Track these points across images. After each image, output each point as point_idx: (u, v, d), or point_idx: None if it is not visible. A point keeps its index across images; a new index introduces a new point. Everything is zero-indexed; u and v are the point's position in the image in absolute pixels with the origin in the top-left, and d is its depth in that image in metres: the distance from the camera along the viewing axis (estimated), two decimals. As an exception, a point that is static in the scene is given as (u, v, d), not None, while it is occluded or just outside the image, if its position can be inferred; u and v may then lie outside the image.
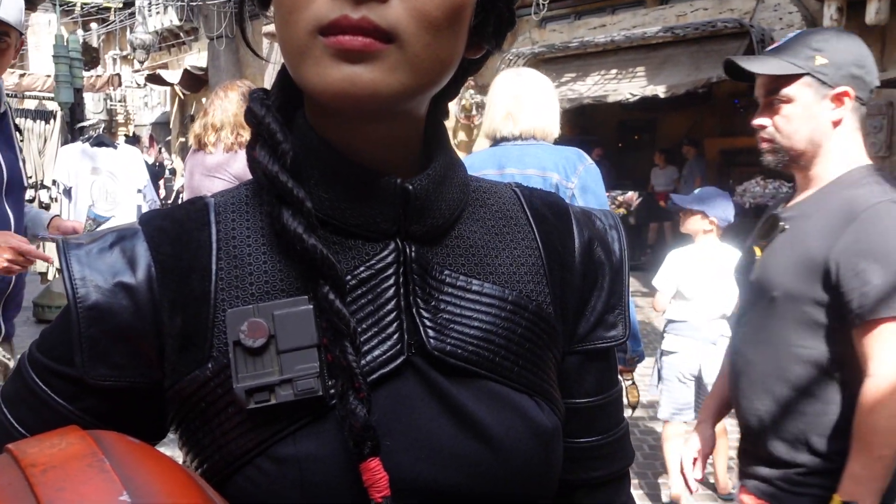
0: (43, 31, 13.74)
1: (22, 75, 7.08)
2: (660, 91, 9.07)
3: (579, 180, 2.12)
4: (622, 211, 8.47)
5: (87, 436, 0.53)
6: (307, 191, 0.58)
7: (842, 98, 1.51)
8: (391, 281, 0.60)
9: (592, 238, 0.71)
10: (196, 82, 15.13)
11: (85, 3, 16.35)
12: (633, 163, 12.29)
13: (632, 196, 8.20)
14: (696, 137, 10.97)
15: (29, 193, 4.66)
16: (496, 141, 2.23)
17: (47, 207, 4.62)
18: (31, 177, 4.62)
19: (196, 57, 16.59)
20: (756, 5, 9.29)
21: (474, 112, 12.12)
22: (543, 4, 10.45)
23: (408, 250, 0.61)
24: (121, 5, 17.04)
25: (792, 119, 1.54)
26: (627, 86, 9.81)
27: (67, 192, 4.35)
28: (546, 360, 0.66)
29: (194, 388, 0.58)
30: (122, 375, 0.59)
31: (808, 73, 1.51)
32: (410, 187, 0.60)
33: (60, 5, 13.73)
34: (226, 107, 3.77)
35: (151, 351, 0.59)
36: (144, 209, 4.57)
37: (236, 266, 0.60)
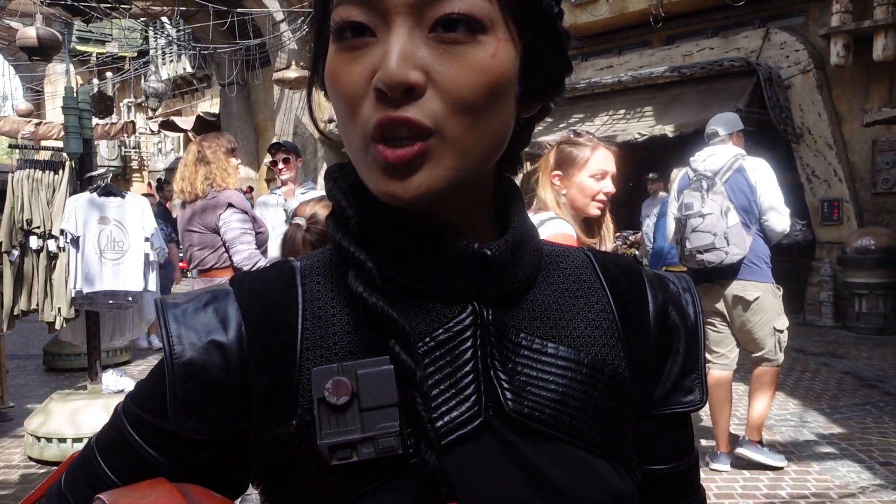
0: (60, 81, 14.01)
1: (38, 124, 7.11)
2: (668, 130, 9.09)
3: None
4: (634, 251, 8.38)
5: (175, 489, 0.55)
6: (379, 254, 0.60)
7: None
8: (469, 343, 0.61)
9: (667, 301, 0.71)
10: (209, 128, 15.37)
11: (100, 53, 16.67)
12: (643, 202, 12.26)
13: (641, 236, 8.11)
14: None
15: (38, 243, 4.68)
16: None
17: (55, 257, 4.62)
18: (39, 227, 4.61)
19: (209, 103, 16.88)
20: (762, 44, 9.32)
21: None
22: (550, 47, 10.55)
23: (485, 313, 0.62)
24: (135, 54, 17.38)
25: None
26: (636, 125, 9.83)
27: (75, 242, 4.36)
28: (622, 425, 0.65)
29: (279, 444, 0.59)
30: (211, 429, 0.60)
31: None
32: (489, 252, 0.61)
33: (75, 56, 14.01)
34: (186, 161, 3.96)
35: (240, 406, 0.60)
36: (152, 257, 4.57)
37: (320, 326, 0.61)
